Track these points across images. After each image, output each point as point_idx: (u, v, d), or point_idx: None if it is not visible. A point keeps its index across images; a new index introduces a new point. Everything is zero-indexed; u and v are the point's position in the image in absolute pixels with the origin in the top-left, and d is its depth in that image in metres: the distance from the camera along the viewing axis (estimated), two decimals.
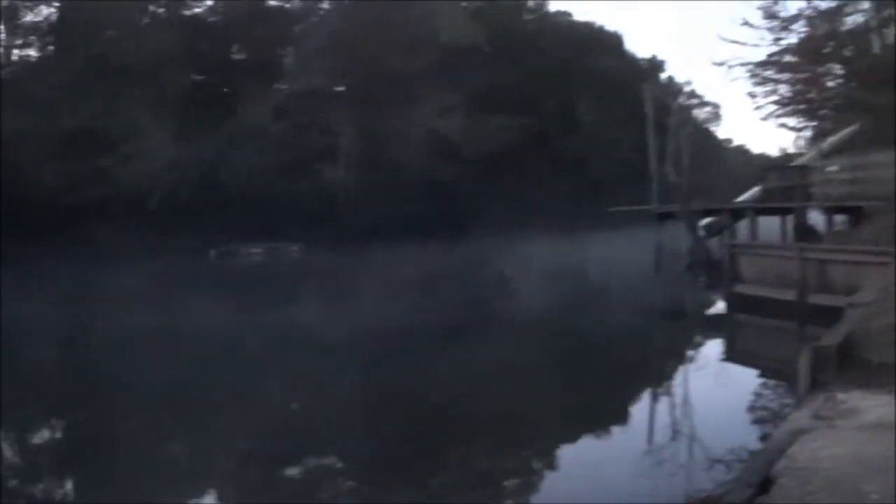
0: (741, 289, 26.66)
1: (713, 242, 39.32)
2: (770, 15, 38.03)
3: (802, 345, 9.47)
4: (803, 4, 40.69)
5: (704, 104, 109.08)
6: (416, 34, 73.26)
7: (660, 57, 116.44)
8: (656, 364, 22.28)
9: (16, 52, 73.39)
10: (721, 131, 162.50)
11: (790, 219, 36.32)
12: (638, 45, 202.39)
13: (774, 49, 39.40)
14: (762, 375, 17.93)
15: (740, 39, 40.49)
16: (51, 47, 74.35)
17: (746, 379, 17.62)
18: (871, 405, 7.03)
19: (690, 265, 39.05)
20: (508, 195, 73.99)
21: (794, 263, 23.65)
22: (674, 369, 20.88)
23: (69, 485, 13.06)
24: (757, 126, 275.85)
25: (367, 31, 72.27)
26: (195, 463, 13.77)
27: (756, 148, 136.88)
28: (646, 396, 17.81)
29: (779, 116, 44.55)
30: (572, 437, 14.10)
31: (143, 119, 66.78)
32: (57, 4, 74.17)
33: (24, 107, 61.87)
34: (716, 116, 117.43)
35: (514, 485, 12.16)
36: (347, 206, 71.31)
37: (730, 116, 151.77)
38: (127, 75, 68.25)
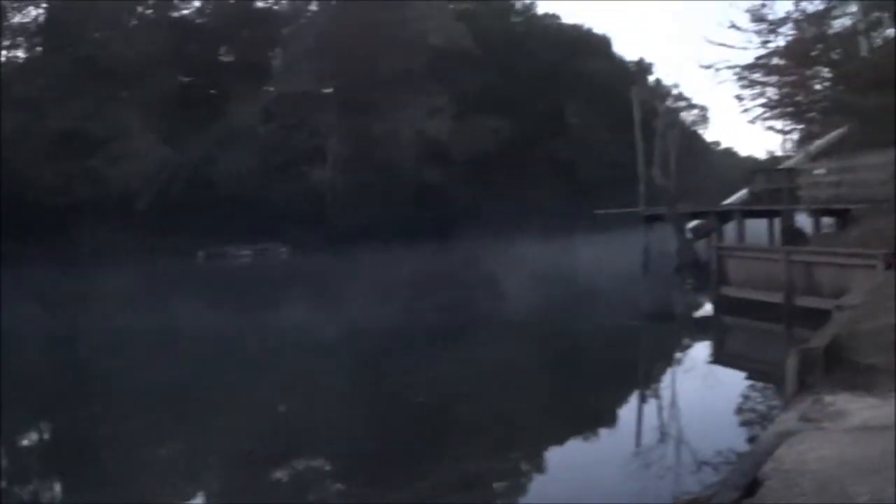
0: (728, 291, 26.72)
1: (701, 245, 39.37)
2: (758, 18, 38.15)
3: (790, 347, 9.47)
4: (791, 7, 40.85)
5: (692, 107, 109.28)
6: (405, 36, 73.23)
7: (648, 60, 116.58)
8: (644, 366, 22.29)
9: (4, 53, 73.19)
10: (709, 134, 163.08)
11: (777, 221, 36.41)
12: (626, 48, 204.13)
13: (762, 52, 39.57)
14: (749, 378, 17.96)
15: (728, 42, 40.89)
16: (39, 48, 74.12)
17: (734, 381, 17.65)
18: (858, 407, 7.03)
19: (678, 268, 39.08)
20: (497, 197, 74.10)
21: (782, 266, 23.69)
22: (661, 372, 20.90)
23: (59, 486, 13.03)
24: (744, 129, 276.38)
25: (356, 33, 72.22)
26: (182, 465, 13.74)
27: (743, 151, 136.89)
28: (634, 399, 17.83)
29: (766, 119, 44.79)
30: (561, 440, 14.10)
31: (131, 120, 66.65)
32: (45, 6, 73.96)
33: (13, 108, 61.68)
34: (703, 119, 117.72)
35: (503, 487, 12.17)
36: (336, 208, 71.28)
37: (717, 119, 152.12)
38: (115, 77, 68.08)
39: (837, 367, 8.39)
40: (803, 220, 35.18)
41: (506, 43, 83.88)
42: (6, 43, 72.47)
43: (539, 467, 12.88)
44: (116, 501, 11.38)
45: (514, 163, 77.30)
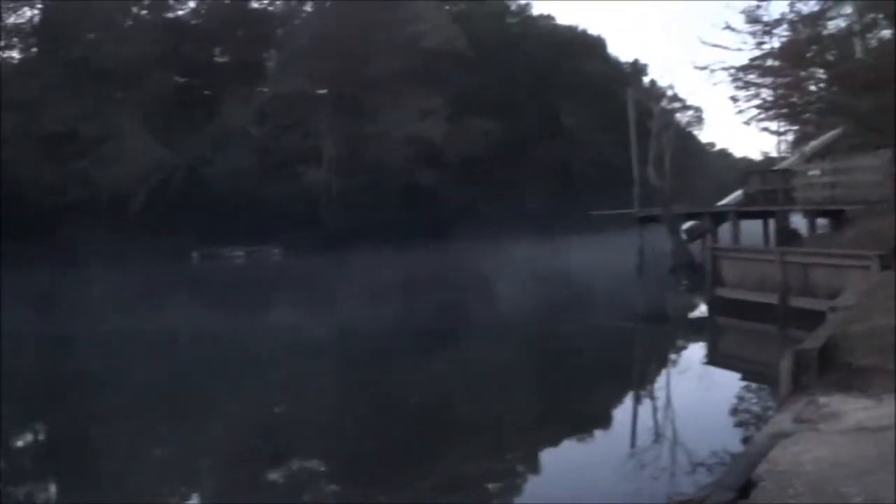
0: (723, 292, 26.73)
1: (695, 246, 39.37)
2: (753, 19, 38.10)
3: (784, 348, 9.47)
4: (786, 8, 40.80)
5: (687, 108, 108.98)
6: (400, 37, 73.19)
7: (642, 61, 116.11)
8: (639, 367, 22.32)
9: None
10: (703, 135, 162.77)
11: (772, 222, 36.44)
12: (621, 49, 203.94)
13: (757, 53, 39.51)
14: (744, 378, 17.98)
15: (723, 43, 40.78)
16: (34, 49, 74.05)
17: (729, 382, 17.65)
18: (852, 408, 7.03)
19: (673, 269, 39.07)
20: (491, 198, 74.11)
21: (776, 267, 23.72)
22: (656, 373, 20.91)
23: (53, 488, 13.03)
24: (739, 130, 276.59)
25: (351, 34, 72.18)
26: (178, 466, 13.71)
27: (738, 152, 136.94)
28: (629, 400, 17.83)
29: (761, 120, 44.71)
30: (556, 441, 14.10)
31: (125, 121, 66.55)
32: (40, 6, 73.90)
33: (8, 109, 61.58)
34: (698, 120, 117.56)
35: (499, 487, 12.17)
36: (330, 209, 71.24)
37: (712, 120, 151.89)
38: (110, 77, 67.99)
39: (832, 369, 8.38)
40: (798, 222, 35.15)
41: (501, 44, 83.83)
42: (1, 44, 72.40)
43: (534, 468, 12.88)
44: (111, 503, 11.36)
45: (509, 164, 77.35)
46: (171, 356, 23.97)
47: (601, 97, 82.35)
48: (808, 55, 38.30)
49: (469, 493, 11.68)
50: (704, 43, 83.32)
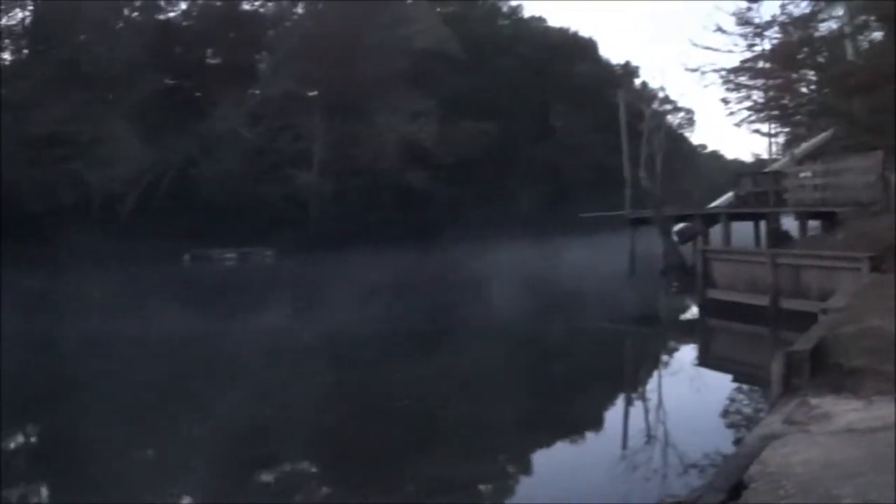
0: (714, 294, 26.77)
1: (687, 248, 39.39)
2: (744, 21, 38.29)
3: (775, 350, 9.48)
4: (777, 11, 40.94)
5: (678, 110, 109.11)
6: (391, 39, 73.12)
7: (634, 63, 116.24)
8: (630, 369, 22.33)
9: None
10: (695, 137, 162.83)
11: (763, 224, 36.48)
12: (612, 51, 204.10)
13: (748, 55, 39.71)
14: (736, 380, 18.02)
15: (714, 46, 40.93)
16: (24, 51, 73.85)
17: (720, 384, 17.69)
18: (843, 410, 7.04)
19: (664, 270, 39.11)
20: (482, 200, 74.15)
21: (768, 269, 23.76)
22: (648, 374, 20.92)
23: (44, 491, 12.97)
24: (730, 132, 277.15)
25: (342, 36, 72.11)
26: (168, 469, 13.67)
27: (729, 154, 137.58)
28: (620, 401, 17.84)
29: (752, 122, 44.97)
30: (547, 442, 14.09)
31: (115, 123, 66.29)
32: (31, 8, 73.67)
33: None
34: (689, 122, 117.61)
35: (489, 489, 12.17)
36: (321, 211, 71.15)
37: (703, 122, 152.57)
38: (100, 79, 67.72)
39: (823, 370, 8.40)
40: (789, 223, 35.21)
41: (491, 46, 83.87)
42: None
43: (525, 470, 12.87)
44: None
45: (500, 166, 77.38)
46: (162, 358, 23.88)
47: (593, 99, 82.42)
48: (800, 57, 38.43)
49: (461, 494, 11.65)
50: (696, 45, 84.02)
